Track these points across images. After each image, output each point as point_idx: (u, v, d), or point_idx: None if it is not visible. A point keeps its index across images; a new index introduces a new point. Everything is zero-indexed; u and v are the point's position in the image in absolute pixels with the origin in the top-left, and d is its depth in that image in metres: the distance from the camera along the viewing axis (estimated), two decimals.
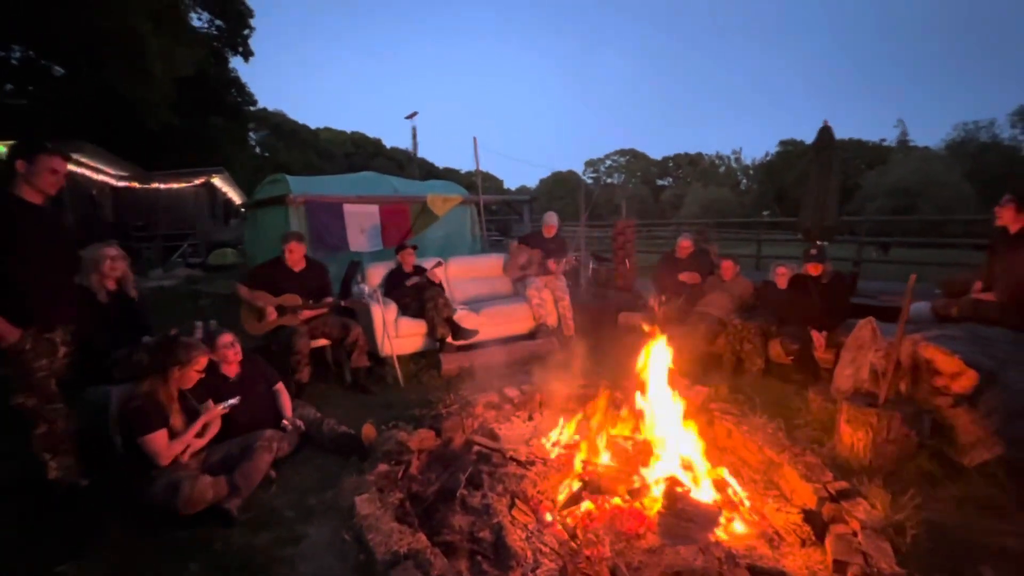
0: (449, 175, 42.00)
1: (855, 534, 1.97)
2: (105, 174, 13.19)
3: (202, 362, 2.52)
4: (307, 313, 3.95)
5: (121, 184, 14.04)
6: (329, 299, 4.10)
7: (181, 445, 2.39)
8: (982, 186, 25.86)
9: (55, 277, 2.36)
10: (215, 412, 2.56)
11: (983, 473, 2.46)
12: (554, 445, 2.86)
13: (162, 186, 14.97)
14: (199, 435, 2.50)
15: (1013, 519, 2.21)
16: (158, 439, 2.30)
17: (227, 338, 2.89)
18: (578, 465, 2.53)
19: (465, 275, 5.60)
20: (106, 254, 3.08)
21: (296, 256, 4.02)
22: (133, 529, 2.21)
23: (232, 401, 2.62)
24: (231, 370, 2.88)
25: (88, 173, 12.39)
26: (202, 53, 18.46)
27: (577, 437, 2.89)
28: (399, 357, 4.26)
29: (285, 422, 2.91)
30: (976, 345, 2.75)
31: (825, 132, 5.50)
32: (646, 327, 2.86)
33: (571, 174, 49.70)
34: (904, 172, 28.19)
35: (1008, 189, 3.24)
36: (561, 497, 2.34)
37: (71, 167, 11.45)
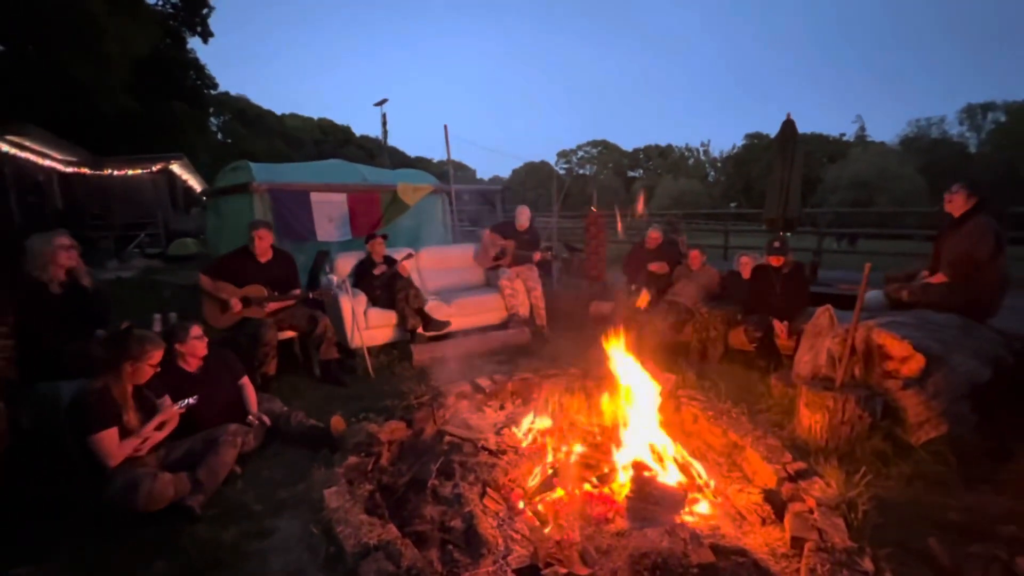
0: (420, 164, 41.38)
1: (811, 512, 2.06)
2: (52, 159, 12.43)
3: (156, 356, 2.41)
4: (273, 305, 3.85)
5: (70, 170, 13.26)
6: (296, 291, 4.00)
7: (132, 446, 2.29)
8: (933, 180, 27.19)
9: None
10: (170, 412, 2.46)
11: (930, 451, 2.60)
12: (525, 434, 2.89)
13: (116, 172, 14.21)
14: (157, 429, 2.41)
15: (957, 494, 2.35)
16: (107, 439, 2.20)
17: (197, 329, 2.79)
18: (549, 453, 2.56)
19: (437, 265, 5.56)
20: (59, 244, 2.93)
21: (264, 244, 3.89)
22: (93, 529, 2.13)
23: (189, 401, 2.53)
24: (192, 364, 2.78)
25: (33, 158, 11.64)
26: (158, 32, 17.55)
27: (548, 425, 2.92)
28: (369, 348, 4.21)
29: (251, 417, 2.84)
30: (925, 330, 2.90)
31: (788, 126, 5.65)
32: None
33: (544, 164, 49.77)
34: (862, 166, 29.33)
35: (956, 181, 3.42)
36: (532, 485, 2.37)
37: (14, 151, 10.79)
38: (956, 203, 3.32)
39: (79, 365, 2.70)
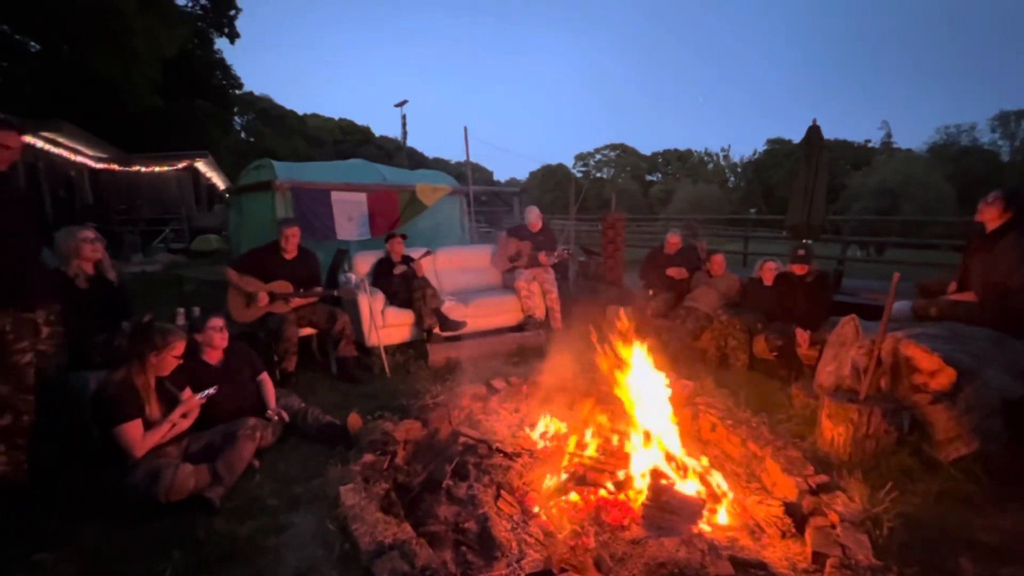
0: (438, 165, 41.65)
1: (834, 527, 2.01)
2: (84, 155, 12.81)
3: (179, 347, 2.46)
4: (297, 301, 3.93)
5: (100, 166, 13.65)
6: (319, 288, 4.07)
7: (156, 436, 2.33)
8: (962, 189, 26.43)
9: (24, 253, 2.24)
10: (192, 402, 2.50)
11: (959, 468, 2.51)
12: (540, 437, 2.87)
13: (143, 169, 14.62)
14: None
15: (986, 513, 2.26)
16: (131, 429, 2.25)
17: (218, 322, 2.83)
18: (564, 457, 2.54)
19: (454, 266, 5.57)
20: (86, 237, 3.00)
21: (294, 242, 4.03)
22: (112, 517, 2.17)
23: (209, 391, 2.57)
24: (214, 356, 2.83)
25: (66, 154, 12.02)
26: (187, 33, 17.95)
27: (564, 429, 2.90)
28: (386, 347, 4.23)
29: (270, 412, 2.87)
30: (955, 343, 2.80)
31: (814, 132, 5.54)
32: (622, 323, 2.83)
33: (561, 167, 49.66)
34: (888, 173, 28.59)
35: (990, 190, 3.26)
36: (547, 488, 2.35)
37: (48, 147, 11.13)
38: (990, 214, 3.15)
39: (105, 357, 2.76)
